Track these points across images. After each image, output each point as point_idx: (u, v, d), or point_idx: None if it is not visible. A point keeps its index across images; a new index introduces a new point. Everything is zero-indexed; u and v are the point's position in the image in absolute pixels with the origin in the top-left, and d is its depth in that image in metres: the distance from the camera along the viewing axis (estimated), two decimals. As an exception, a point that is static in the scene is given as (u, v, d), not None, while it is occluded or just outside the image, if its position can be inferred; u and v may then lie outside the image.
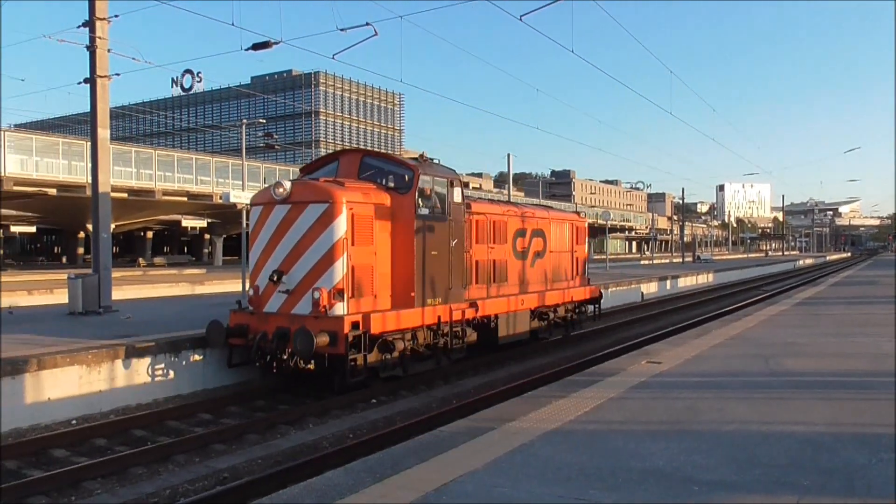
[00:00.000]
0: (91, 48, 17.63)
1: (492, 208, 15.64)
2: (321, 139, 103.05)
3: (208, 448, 9.26)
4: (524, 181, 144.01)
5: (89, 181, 53.07)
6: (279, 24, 60.35)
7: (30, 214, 54.21)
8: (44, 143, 49.61)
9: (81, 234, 61.84)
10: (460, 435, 6.59)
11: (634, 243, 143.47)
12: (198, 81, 48.95)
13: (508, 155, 37.60)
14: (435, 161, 14.00)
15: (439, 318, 12.95)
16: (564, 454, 5.85)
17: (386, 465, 5.58)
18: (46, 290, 28.53)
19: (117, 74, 18.64)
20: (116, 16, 18.20)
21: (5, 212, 50.55)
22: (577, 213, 21.20)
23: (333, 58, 17.20)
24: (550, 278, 17.74)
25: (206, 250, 72.68)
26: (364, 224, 11.90)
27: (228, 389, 12.64)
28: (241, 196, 24.26)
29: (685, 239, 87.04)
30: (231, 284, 33.40)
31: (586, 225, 20.58)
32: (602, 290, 20.54)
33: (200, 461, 8.82)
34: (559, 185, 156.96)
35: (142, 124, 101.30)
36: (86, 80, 17.87)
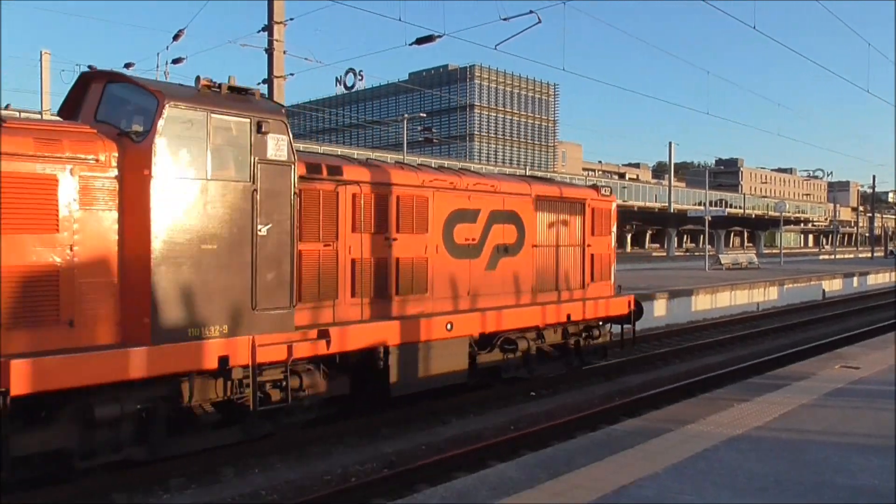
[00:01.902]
0: (269, 50, 18.86)
1: (393, 175, 9.64)
2: (475, 132, 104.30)
3: (376, 432, 9.54)
4: (686, 171, 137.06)
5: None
6: (442, 17, 61.50)
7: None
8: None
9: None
10: (633, 435, 6.25)
11: (811, 237, 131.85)
12: (359, 80, 51.38)
13: (670, 143, 35.86)
14: (251, 93, 8.16)
15: (222, 359, 7.38)
16: (754, 463, 5.34)
17: (559, 462, 5.38)
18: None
19: (291, 74, 19.82)
20: (291, 18, 19.34)
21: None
22: (596, 187, 13.45)
23: (496, 48, 17.08)
24: (531, 286, 11.47)
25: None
26: (30, 199, 6.54)
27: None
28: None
29: (875, 232, 78.61)
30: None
31: (614, 206, 13.43)
32: (639, 302, 13.48)
33: (369, 444, 9.10)
34: (725, 174, 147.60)
35: (310, 121, 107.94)
36: (264, 81, 19.18)
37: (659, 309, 21.07)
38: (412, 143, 66.75)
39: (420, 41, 18.44)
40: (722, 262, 39.19)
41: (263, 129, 7.77)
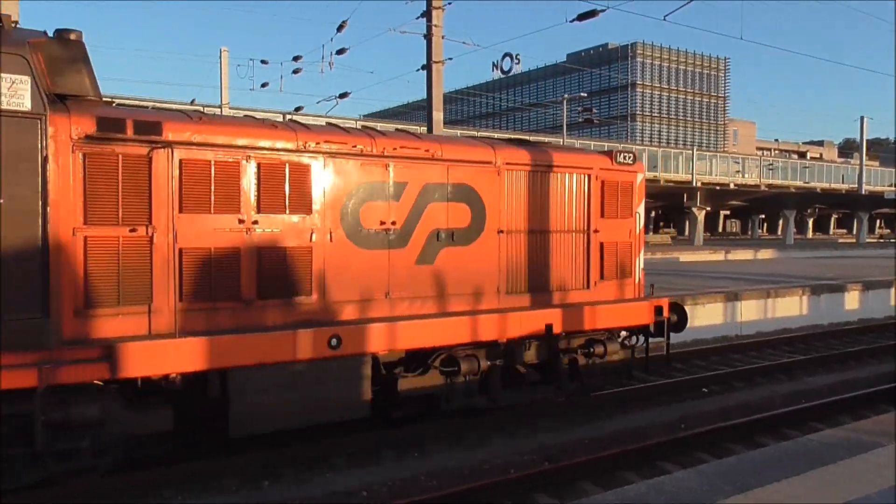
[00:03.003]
0: (427, 36, 19.02)
1: (251, 134, 7.08)
2: (637, 112, 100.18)
3: (534, 423, 9.23)
4: (880, 148, 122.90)
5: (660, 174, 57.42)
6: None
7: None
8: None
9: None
10: (834, 447, 5.44)
11: None
12: (516, 63, 50.86)
13: (861, 118, 32.03)
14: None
15: None
16: None
17: (745, 473, 4.76)
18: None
19: (450, 59, 19.85)
20: (449, 3, 19.35)
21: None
22: (610, 153, 9.85)
23: (664, 18, 16.03)
24: (497, 286, 8.61)
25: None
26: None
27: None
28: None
29: None
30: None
31: (640, 179, 9.95)
32: (680, 307, 10.34)
33: (528, 434, 8.82)
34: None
35: (468, 106, 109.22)
36: (423, 67, 19.40)
37: (851, 301, 18.91)
38: (571, 124, 65.32)
39: (582, 17, 17.72)
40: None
41: None
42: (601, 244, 9.48)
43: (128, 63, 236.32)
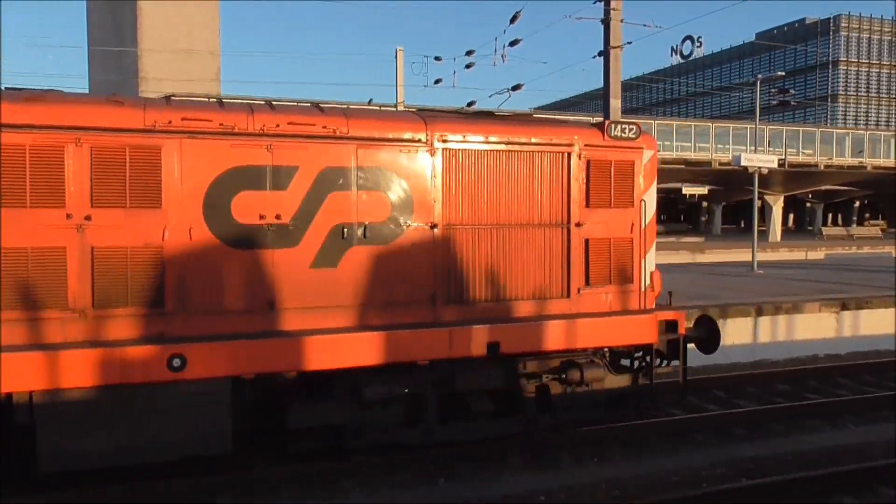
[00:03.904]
0: (605, 20, 18.25)
1: (82, 114, 5.98)
2: (839, 92, 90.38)
3: (729, 431, 8.45)
4: None
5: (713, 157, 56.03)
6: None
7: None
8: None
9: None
10: None
11: None
12: (697, 46, 47.86)
13: None
14: None
15: None
16: None
17: None
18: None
19: (629, 43, 18.91)
20: (628, -15, 18.45)
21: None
22: (601, 125, 7.70)
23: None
24: (430, 294, 6.93)
25: (702, 218, 71.44)
26: None
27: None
28: (752, 159, 22.61)
29: None
30: (732, 254, 31.75)
31: (647, 157, 7.81)
32: (712, 322, 8.43)
33: (720, 444, 8.08)
34: None
35: (646, 93, 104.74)
36: (599, 54, 18.67)
37: None
38: (763, 108, 60.46)
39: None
40: None
41: None
42: (586, 241, 7.47)
43: (305, 66, 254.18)
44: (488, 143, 7.11)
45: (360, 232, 6.61)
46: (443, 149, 6.94)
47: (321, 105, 7.25)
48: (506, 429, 7.41)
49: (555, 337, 7.13)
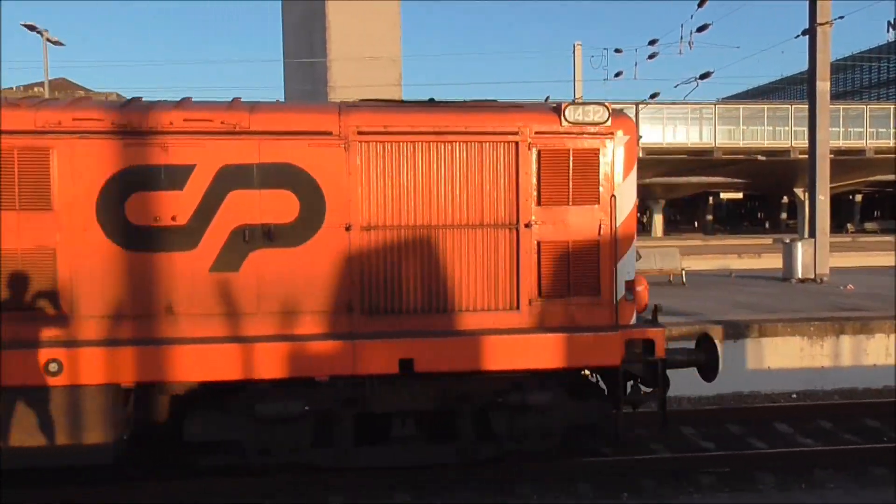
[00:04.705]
0: (811, -5, 16.50)
1: None
2: None
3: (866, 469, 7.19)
4: None
5: (792, 145, 52.67)
6: None
7: (737, 181, 57.07)
8: (749, 111, 51.91)
9: (785, 199, 61.98)
10: None
11: None
12: (920, 18, 42.08)
13: None
14: None
15: None
16: None
17: None
18: (754, 255, 29.68)
19: (840, 17, 16.92)
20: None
21: (716, 179, 54.60)
22: (557, 108, 6.50)
23: None
24: (347, 302, 6.26)
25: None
26: None
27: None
28: None
29: None
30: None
31: (615, 144, 6.46)
32: (708, 344, 6.86)
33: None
34: None
35: (858, 74, 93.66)
36: (804, 32, 16.90)
37: None
38: None
39: None
40: None
41: None
42: (538, 244, 6.43)
43: (489, 65, 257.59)
44: (415, 134, 6.34)
45: (263, 234, 6.13)
46: (359, 142, 6.27)
47: (350, 102, 6.88)
48: (438, 457, 6.57)
49: (488, 355, 6.21)
